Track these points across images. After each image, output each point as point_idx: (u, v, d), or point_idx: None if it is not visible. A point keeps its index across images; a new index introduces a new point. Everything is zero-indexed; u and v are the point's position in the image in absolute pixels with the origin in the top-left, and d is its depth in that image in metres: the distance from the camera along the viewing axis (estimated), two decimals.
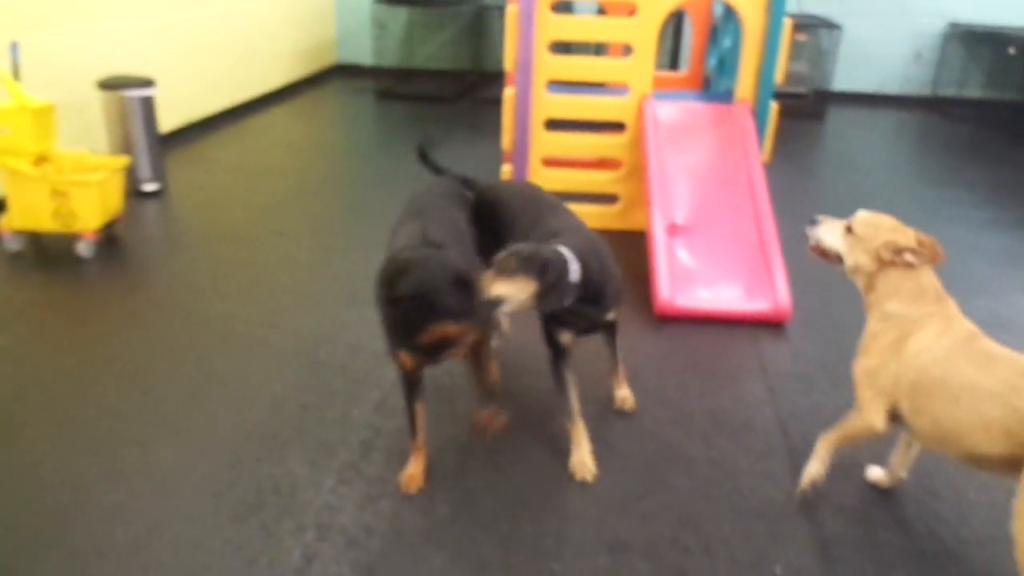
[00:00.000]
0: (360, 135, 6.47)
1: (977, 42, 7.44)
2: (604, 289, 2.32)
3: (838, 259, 2.24)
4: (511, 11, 3.91)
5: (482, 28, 8.02)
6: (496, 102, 7.33)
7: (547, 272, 2.09)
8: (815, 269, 3.84)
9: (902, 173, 5.70)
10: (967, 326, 2.02)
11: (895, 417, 2.07)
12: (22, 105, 3.56)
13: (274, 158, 5.49)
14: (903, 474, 2.34)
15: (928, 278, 2.08)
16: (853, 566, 2.05)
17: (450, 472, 2.36)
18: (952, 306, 2.07)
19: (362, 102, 7.30)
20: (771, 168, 4.16)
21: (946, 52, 7.61)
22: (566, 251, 2.19)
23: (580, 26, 4.27)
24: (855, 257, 2.17)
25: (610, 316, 2.50)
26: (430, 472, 2.34)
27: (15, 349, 2.94)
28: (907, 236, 2.10)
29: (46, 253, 3.77)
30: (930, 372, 1.96)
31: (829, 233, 2.24)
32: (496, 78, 7.95)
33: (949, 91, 7.66)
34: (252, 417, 2.58)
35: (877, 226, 2.15)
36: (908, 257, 2.07)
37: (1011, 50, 6.69)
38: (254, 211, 4.40)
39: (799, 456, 2.48)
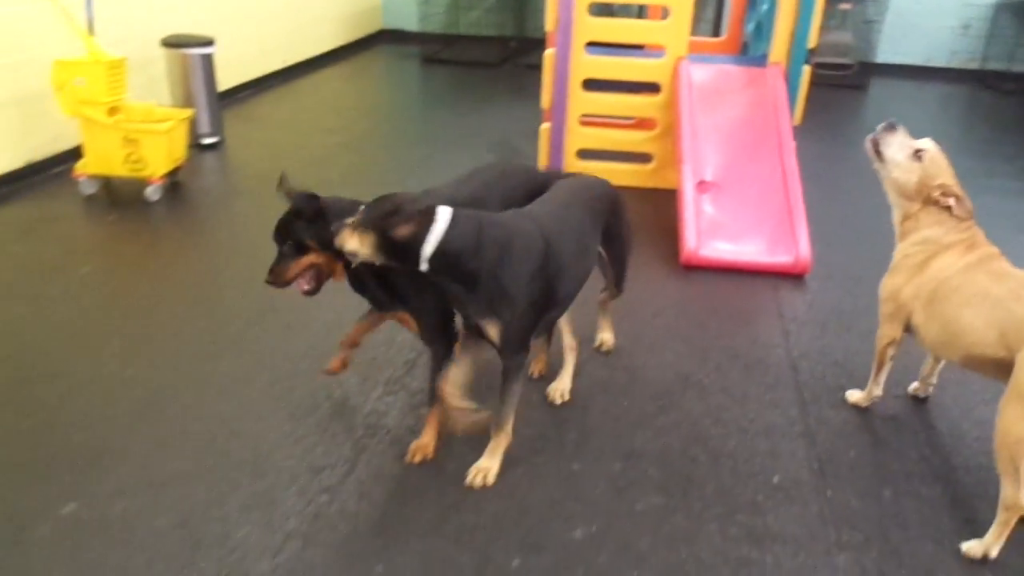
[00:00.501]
0: (404, 98, 6.71)
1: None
2: (479, 278, 1.94)
3: (883, 166, 2.40)
4: None
5: None
6: (538, 67, 7.53)
7: (388, 225, 1.86)
8: (839, 226, 4.02)
9: (946, 144, 5.75)
10: (990, 249, 2.24)
11: (907, 328, 2.34)
12: (97, 59, 3.87)
13: (323, 116, 5.76)
14: (933, 381, 2.58)
15: (967, 217, 2.29)
16: (845, 481, 2.26)
17: (484, 386, 2.61)
18: (981, 235, 2.28)
19: (407, 67, 7.53)
20: (809, 136, 4.31)
21: (996, 24, 7.54)
22: (445, 212, 1.91)
23: None
24: (908, 182, 2.34)
25: (488, 326, 2.02)
26: (475, 383, 2.59)
27: (97, 276, 3.27)
28: (956, 180, 2.31)
29: (117, 196, 4.10)
30: (950, 282, 2.21)
31: (897, 146, 2.38)
32: (538, 44, 8.09)
33: (998, 65, 7.60)
34: (307, 339, 2.86)
35: (942, 166, 2.32)
36: (952, 203, 2.27)
37: None
38: (305, 163, 4.68)
39: (806, 390, 2.68)
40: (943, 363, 2.57)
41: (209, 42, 4.75)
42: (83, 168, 4.00)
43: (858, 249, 3.81)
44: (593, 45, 4.26)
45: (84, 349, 2.75)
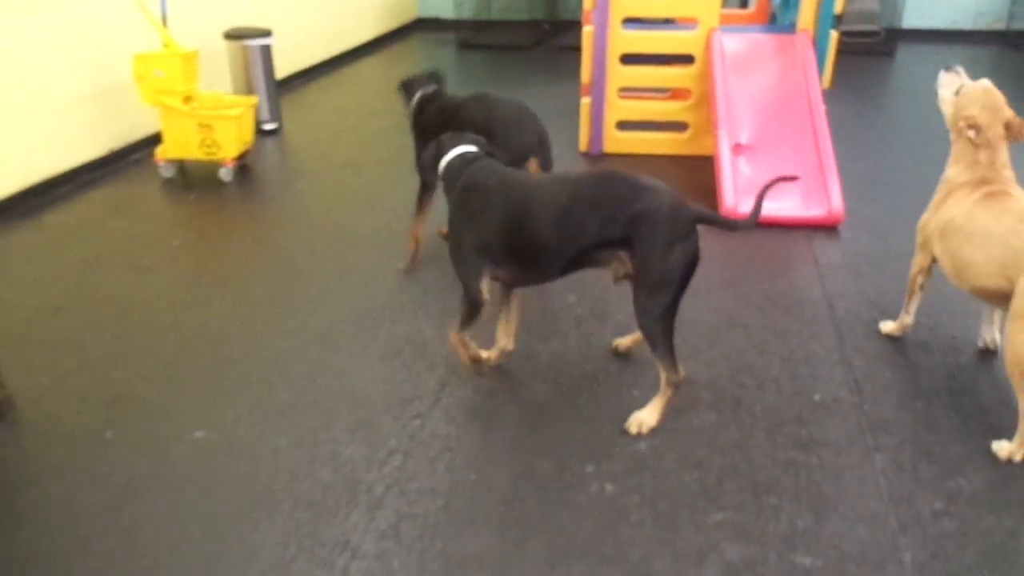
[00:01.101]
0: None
1: None
2: (450, 199, 2.49)
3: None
4: None
5: None
6: (571, 49, 7.77)
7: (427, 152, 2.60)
8: (869, 182, 4.23)
9: None
10: (999, 187, 2.43)
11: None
12: (173, 51, 4.20)
13: (371, 102, 6.07)
14: (997, 335, 2.70)
15: (991, 154, 2.46)
16: (880, 397, 2.51)
17: (550, 330, 2.90)
18: (1001, 174, 2.45)
19: (443, 53, 7.81)
20: (838, 100, 4.51)
21: None
22: (459, 148, 2.50)
23: None
24: (946, 115, 2.62)
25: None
26: (536, 328, 2.88)
27: (188, 247, 3.61)
28: (996, 117, 2.47)
29: (192, 178, 4.44)
30: (955, 221, 2.43)
31: (945, 86, 2.66)
32: (570, 26, 8.34)
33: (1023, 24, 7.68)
34: (383, 295, 3.16)
35: (976, 100, 2.53)
36: (972, 135, 2.48)
37: None
38: (359, 145, 4.98)
39: (842, 324, 2.93)
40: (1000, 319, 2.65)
41: (267, 33, 5.07)
42: (162, 153, 4.34)
43: (889, 202, 4.03)
44: (629, 21, 4.50)
45: (189, 307, 3.08)
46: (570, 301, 3.11)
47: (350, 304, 3.11)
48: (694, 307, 3.06)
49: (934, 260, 2.59)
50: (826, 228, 3.73)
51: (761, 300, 3.12)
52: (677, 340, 2.79)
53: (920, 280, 2.67)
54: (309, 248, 3.58)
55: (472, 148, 2.53)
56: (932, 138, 5.02)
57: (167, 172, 4.40)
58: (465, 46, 7.97)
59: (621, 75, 4.59)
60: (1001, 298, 2.30)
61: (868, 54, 7.24)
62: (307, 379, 2.64)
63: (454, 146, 2.54)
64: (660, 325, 2.28)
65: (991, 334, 2.71)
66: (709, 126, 4.45)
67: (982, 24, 7.88)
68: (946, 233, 2.48)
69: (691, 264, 2.26)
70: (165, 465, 2.26)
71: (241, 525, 2.04)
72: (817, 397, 2.51)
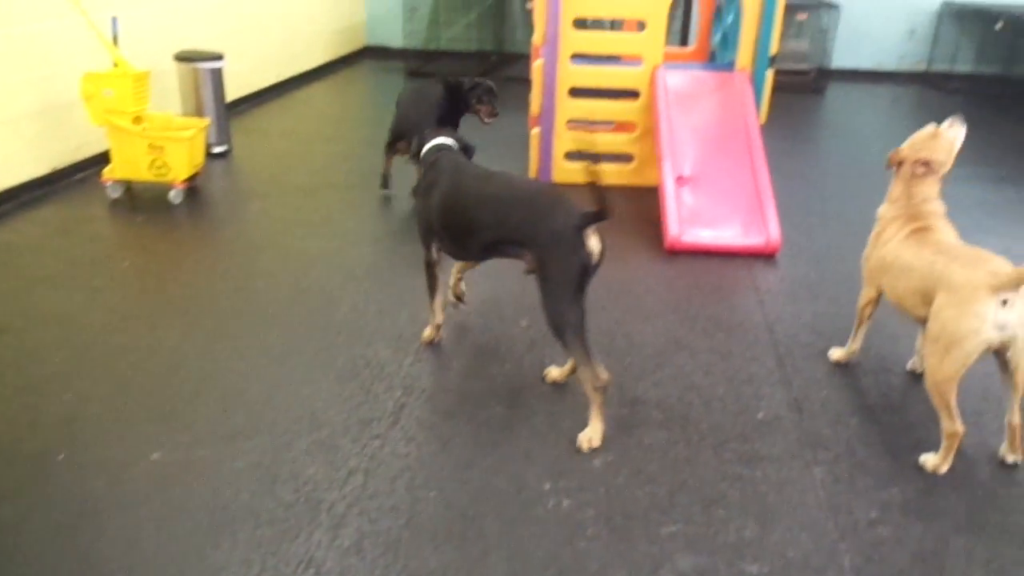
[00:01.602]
0: (390, 107, 7.05)
1: (968, 19, 7.96)
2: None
3: None
4: None
5: (503, 11, 8.58)
6: (518, 80, 7.94)
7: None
8: (804, 212, 4.45)
9: (895, 139, 6.25)
10: (924, 222, 2.61)
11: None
12: (124, 71, 4.18)
13: (320, 126, 6.10)
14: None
15: (905, 187, 2.68)
16: (817, 414, 2.65)
17: (505, 354, 2.97)
18: (918, 211, 2.63)
19: (392, 80, 7.88)
20: (773, 136, 4.74)
21: (940, 29, 8.13)
22: (436, 140, 2.94)
23: (602, 4, 4.85)
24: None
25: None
26: (491, 351, 2.95)
27: (137, 268, 3.57)
28: (911, 151, 2.69)
29: (140, 200, 4.39)
30: (887, 258, 2.61)
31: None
32: (517, 58, 8.54)
33: (942, 66, 8.19)
34: (339, 317, 3.20)
35: (912, 141, 2.74)
36: (895, 168, 2.70)
37: (998, 25, 7.21)
38: (310, 169, 5.01)
39: (781, 346, 3.08)
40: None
41: (219, 57, 5.07)
42: (110, 173, 4.30)
43: (822, 231, 4.25)
44: (577, 57, 4.66)
45: (142, 328, 3.06)
46: (523, 325, 3.20)
47: (306, 326, 3.13)
48: (643, 331, 3.18)
49: (881, 292, 2.75)
50: (765, 256, 3.91)
51: (706, 324, 3.26)
52: (628, 362, 2.91)
53: (868, 311, 2.83)
54: (263, 271, 3.59)
55: (448, 140, 2.97)
56: (860, 171, 5.33)
57: (114, 193, 4.35)
58: (413, 74, 8.07)
59: (569, 107, 4.74)
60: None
61: (800, 91, 7.60)
62: (264, 401, 2.65)
63: (434, 137, 2.98)
64: (565, 326, 2.44)
65: (920, 358, 2.89)
66: (654, 158, 4.63)
67: (904, 66, 8.36)
68: (883, 269, 2.66)
69: (583, 269, 2.41)
70: (120, 487, 2.24)
71: (202, 546, 2.04)
72: (760, 415, 2.64)
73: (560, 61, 4.61)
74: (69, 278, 3.45)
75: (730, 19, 5.09)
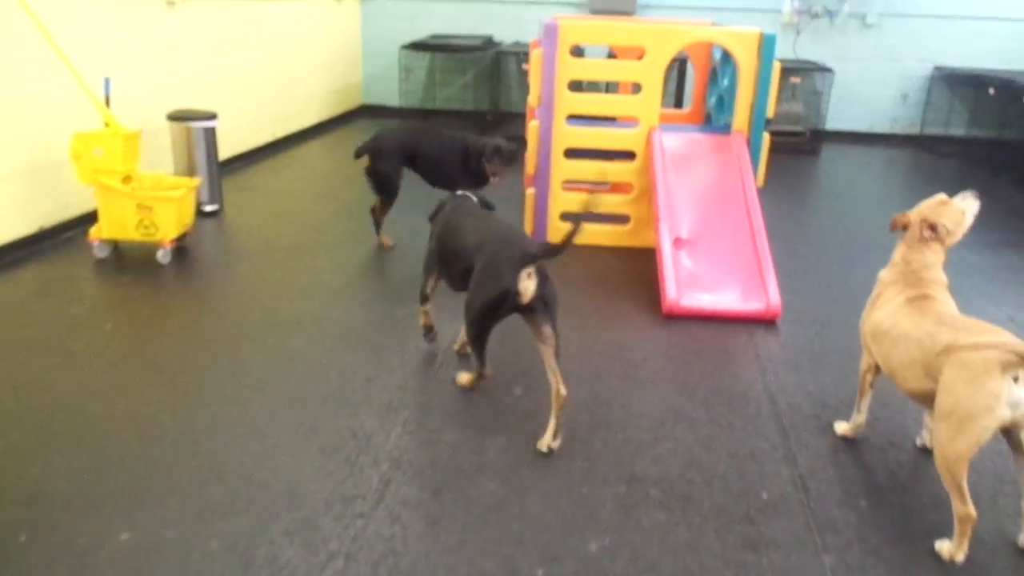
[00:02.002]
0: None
1: (960, 84, 8.05)
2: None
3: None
4: (536, 54, 4.49)
5: (498, 72, 8.65)
6: (513, 139, 7.95)
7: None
8: (803, 276, 4.38)
9: (892, 202, 6.24)
10: (923, 290, 2.52)
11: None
12: (115, 131, 4.13)
13: (314, 185, 6.06)
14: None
15: (906, 252, 2.60)
16: (825, 495, 2.53)
17: (497, 425, 2.85)
18: (920, 278, 2.55)
19: None
20: (769, 196, 4.72)
21: (932, 93, 8.21)
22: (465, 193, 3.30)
23: (597, 68, 4.86)
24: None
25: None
26: (484, 422, 2.83)
27: (120, 331, 3.46)
28: (918, 215, 2.61)
29: (127, 259, 4.31)
30: (883, 324, 2.51)
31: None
32: (512, 118, 8.58)
33: (935, 130, 8.25)
34: (325, 386, 3.08)
35: (920, 206, 2.66)
36: (896, 229, 2.63)
37: (991, 91, 7.27)
38: (304, 229, 4.94)
39: (785, 419, 2.97)
40: None
41: (212, 116, 5.05)
42: (97, 233, 4.21)
43: (822, 297, 4.17)
44: (572, 118, 4.65)
45: (119, 396, 2.93)
46: (517, 394, 3.08)
47: (290, 395, 3.01)
48: (640, 400, 3.07)
49: None
50: (765, 322, 3.82)
51: (706, 393, 3.15)
52: (625, 435, 2.80)
53: (869, 378, 2.73)
54: (248, 335, 3.48)
55: (469, 193, 3.32)
56: (858, 235, 5.28)
57: (101, 252, 4.26)
58: None
59: (565, 168, 4.70)
60: (927, 399, 2.36)
61: (794, 152, 7.63)
62: (243, 476, 2.52)
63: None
64: (471, 337, 2.82)
65: (929, 434, 2.78)
66: (650, 219, 4.58)
67: (898, 128, 8.42)
68: (877, 336, 2.56)
69: (501, 299, 2.62)
70: (85, 571, 2.10)
71: None
72: (765, 495, 2.51)
73: (555, 122, 4.59)
74: (47, 342, 3.33)
75: (726, 82, 5.10)
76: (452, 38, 8.29)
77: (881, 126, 8.45)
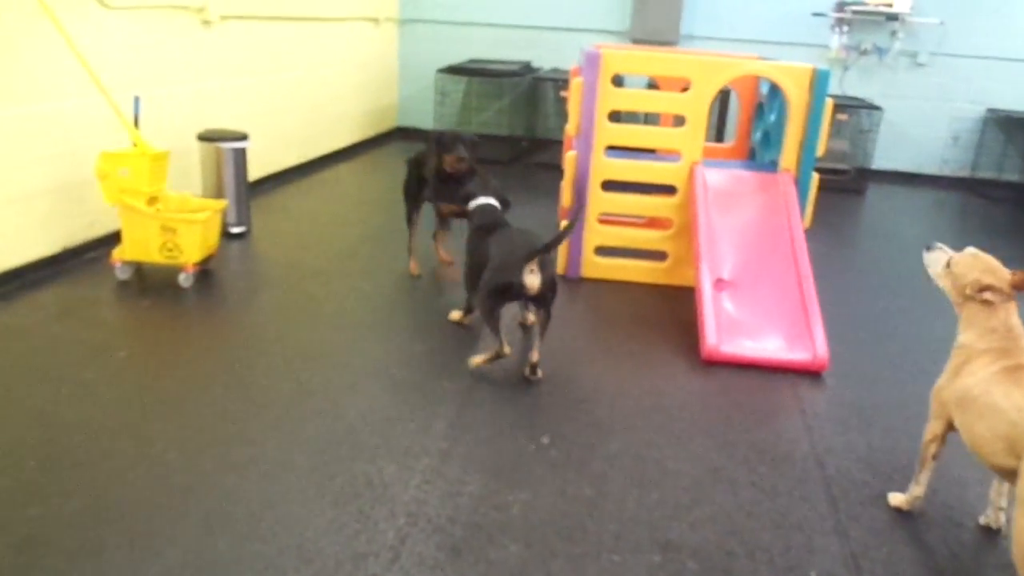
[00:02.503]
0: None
1: (1015, 127, 7.77)
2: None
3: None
4: (576, 83, 4.35)
5: (536, 98, 8.54)
6: (548, 167, 7.83)
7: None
8: (850, 325, 4.15)
9: (914, 240, 5.97)
10: (1016, 361, 2.29)
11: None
12: (142, 151, 4.05)
13: (343, 208, 5.95)
14: (1001, 516, 2.52)
15: (1005, 317, 2.36)
16: None
17: (522, 477, 2.66)
18: (1016, 345, 2.33)
19: None
20: (813, 237, 4.50)
21: (984, 136, 7.94)
22: (487, 200, 3.72)
23: (640, 99, 4.71)
24: (947, 289, 2.51)
25: None
26: (508, 472, 2.64)
27: (135, 360, 3.33)
28: (997, 276, 2.39)
29: (150, 282, 4.20)
30: (971, 392, 2.29)
31: (934, 263, 2.56)
32: (547, 144, 8.46)
33: (987, 173, 7.96)
34: (343, 425, 2.92)
35: (972, 266, 2.44)
36: (987, 296, 2.38)
37: None
38: (331, 255, 4.82)
39: (834, 485, 2.74)
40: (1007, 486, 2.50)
41: (243, 137, 4.97)
42: (120, 254, 4.12)
43: (870, 348, 3.94)
44: (610, 149, 4.48)
45: (129, 432, 2.79)
46: (544, 443, 2.90)
47: (307, 434, 2.85)
48: (676, 456, 2.86)
49: (950, 428, 2.43)
50: (810, 373, 3.60)
51: (747, 451, 2.93)
52: (660, 495, 2.60)
53: (933, 449, 2.50)
54: (266, 367, 3.34)
55: (492, 200, 3.73)
56: (906, 281, 5.03)
57: (123, 274, 4.17)
58: None
59: (601, 201, 4.54)
60: (1012, 476, 2.14)
61: (839, 191, 7.39)
62: (251, 524, 2.35)
63: (480, 194, 3.74)
64: (478, 307, 3.47)
65: (995, 512, 2.53)
66: (689, 257, 4.39)
67: (947, 170, 8.15)
68: (962, 404, 2.34)
69: (506, 287, 3.26)
70: None
71: None
72: (813, 574, 2.29)
73: (594, 153, 4.43)
74: (59, 369, 3.22)
75: (772, 118, 4.92)
76: (490, 63, 8.20)
77: (930, 167, 8.17)
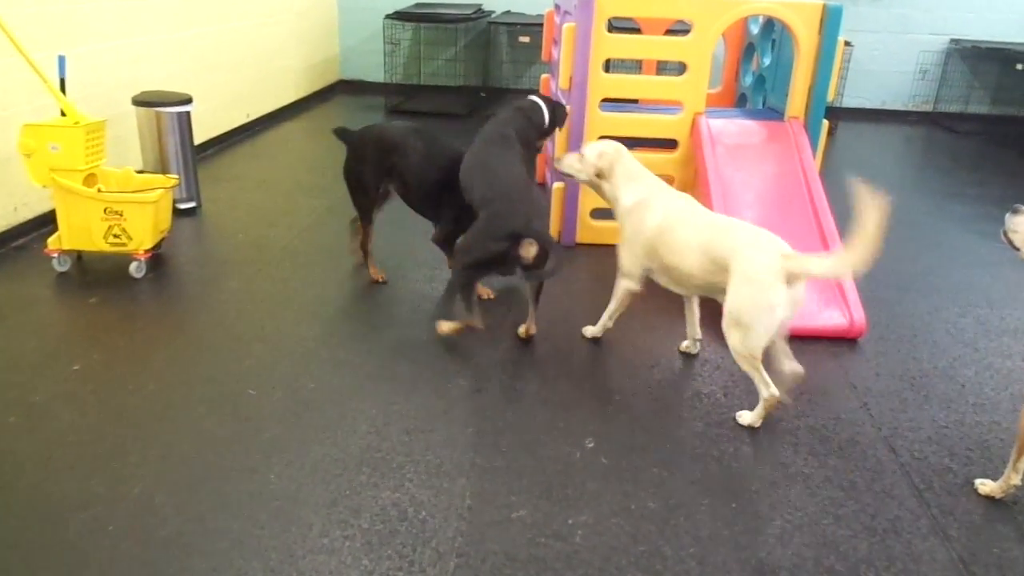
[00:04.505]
0: None
1: (982, 59, 7.63)
2: None
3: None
4: (568, 29, 3.90)
5: (489, 45, 8.00)
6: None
7: None
8: (864, 279, 3.89)
9: (918, 184, 5.79)
10: None
11: None
12: (75, 121, 3.46)
13: (299, 174, 5.40)
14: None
15: None
16: None
17: (576, 494, 2.31)
18: None
19: (370, 117, 7.21)
20: None
21: (948, 69, 7.79)
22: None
23: (637, 45, 4.28)
24: None
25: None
26: (559, 489, 2.29)
27: (91, 372, 2.82)
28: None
29: (94, 273, 3.65)
30: None
31: (1019, 231, 2.24)
32: (503, 94, 7.96)
33: (952, 107, 7.85)
34: (356, 444, 2.50)
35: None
36: None
37: (1020, 66, 6.85)
38: (298, 230, 4.31)
39: (914, 474, 2.48)
40: None
41: (187, 100, 4.37)
42: (57, 243, 3.55)
43: (894, 304, 3.70)
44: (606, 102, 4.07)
45: (97, 470, 2.32)
46: (589, 447, 2.54)
47: (314, 457, 2.43)
48: (736, 452, 2.55)
49: None
50: (848, 340, 3.33)
51: (809, 440, 2.65)
52: (735, 501, 2.28)
53: None
54: (251, 372, 2.88)
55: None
56: (895, 228, 4.69)
57: (61, 266, 3.60)
58: (396, 111, 7.43)
59: None
60: None
61: None
62: None
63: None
64: (457, 272, 3.02)
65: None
66: None
67: (911, 106, 8.00)
68: None
69: (500, 256, 2.89)
70: None
71: None
72: None
73: (589, 107, 4.01)
74: (3, 389, 2.69)
75: (766, 60, 4.57)
76: (438, 6, 7.60)
77: (895, 103, 8.01)
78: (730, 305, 2.64)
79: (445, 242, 3.38)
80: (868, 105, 8.00)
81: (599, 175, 3.06)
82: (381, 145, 3.44)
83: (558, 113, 3.54)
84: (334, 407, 2.68)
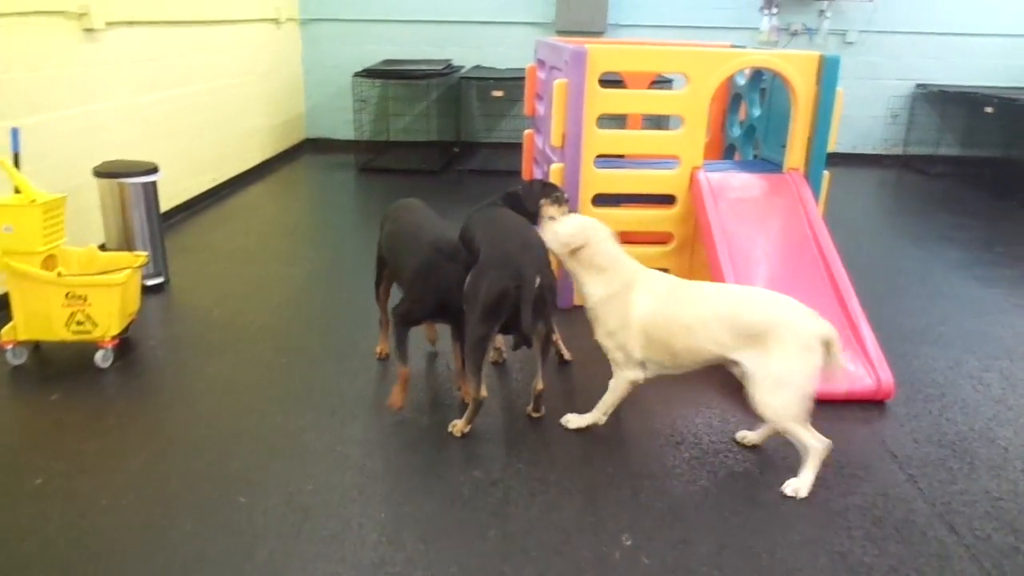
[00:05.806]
0: (350, 211, 6.15)
1: (949, 102, 7.72)
2: None
3: None
4: (560, 86, 3.74)
5: (460, 100, 7.86)
6: (480, 172, 7.19)
7: None
8: (884, 335, 3.73)
9: (896, 227, 5.73)
10: None
11: None
12: (30, 199, 3.16)
13: (271, 241, 5.13)
14: None
15: None
16: None
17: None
18: None
19: (340, 177, 6.98)
20: None
21: (914, 112, 7.88)
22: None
23: (632, 99, 4.16)
24: None
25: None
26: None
27: (55, 488, 2.48)
28: None
29: (54, 365, 3.31)
30: None
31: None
32: (475, 148, 7.82)
33: (921, 149, 7.91)
34: (367, 555, 2.21)
35: None
36: None
37: (989, 109, 6.92)
38: (271, 305, 4.01)
39: (983, 558, 2.27)
40: None
41: (152, 169, 4.09)
42: (11, 334, 3.21)
43: (915, 358, 3.55)
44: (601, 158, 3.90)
45: None
46: (626, 545, 2.29)
47: (327, 564, 2.13)
48: (787, 542, 2.31)
49: None
50: (875, 403, 3.15)
51: (861, 522, 2.42)
52: None
53: None
54: (240, 475, 2.57)
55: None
56: (876, 273, 4.64)
57: (16, 358, 3.26)
58: (365, 169, 7.21)
59: (595, 217, 3.94)
60: None
61: None
62: None
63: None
64: (470, 341, 2.70)
65: None
66: (693, 274, 3.86)
67: (880, 149, 8.06)
68: None
69: (502, 295, 2.63)
70: None
71: None
72: None
73: (584, 164, 3.83)
74: None
75: (756, 112, 4.47)
76: (407, 63, 7.46)
77: (865, 146, 8.06)
78: (773, 370, 2.52)
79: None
80: (840, 149, 7.99)
81: (572, 253, 2.85)
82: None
83: (534, 189, 3.25)
84: (338, 513, 2.39)
